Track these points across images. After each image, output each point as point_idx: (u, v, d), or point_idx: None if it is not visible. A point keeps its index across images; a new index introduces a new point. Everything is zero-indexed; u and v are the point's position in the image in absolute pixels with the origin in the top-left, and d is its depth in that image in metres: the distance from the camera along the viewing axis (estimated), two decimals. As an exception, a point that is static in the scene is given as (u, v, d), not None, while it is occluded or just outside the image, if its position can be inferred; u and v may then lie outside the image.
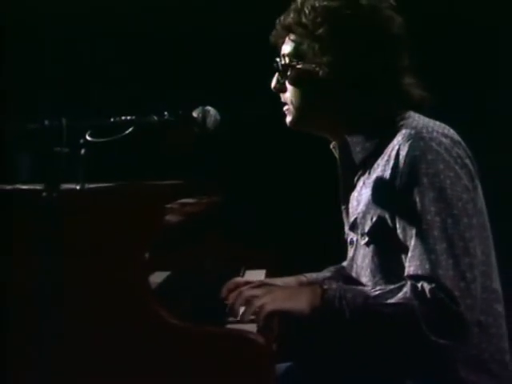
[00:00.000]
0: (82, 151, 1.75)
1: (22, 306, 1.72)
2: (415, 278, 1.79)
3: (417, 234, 1.80)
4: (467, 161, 1.87)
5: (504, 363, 1.90)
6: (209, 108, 1.94)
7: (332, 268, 2.36)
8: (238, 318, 1.84)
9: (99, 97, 3.48)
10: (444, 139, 1.85)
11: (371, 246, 1.94)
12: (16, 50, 3.65)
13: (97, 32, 3.66)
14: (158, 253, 1.85)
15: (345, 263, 2.29)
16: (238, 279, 2.24)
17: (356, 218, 1.99)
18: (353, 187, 2.08)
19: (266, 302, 1.84)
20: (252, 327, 1.82)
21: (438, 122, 1.92)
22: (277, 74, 2.09)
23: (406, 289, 1.77)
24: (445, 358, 1.83)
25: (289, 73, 2.04)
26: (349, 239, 2.09)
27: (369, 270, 1.95)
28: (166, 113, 1.89)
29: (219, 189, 2.84)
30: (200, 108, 1.93)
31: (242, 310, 1.86)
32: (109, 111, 1.93)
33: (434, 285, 1.74)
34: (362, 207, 1.97)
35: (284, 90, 2.08)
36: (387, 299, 1.78)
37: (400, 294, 1.77)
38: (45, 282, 1.56)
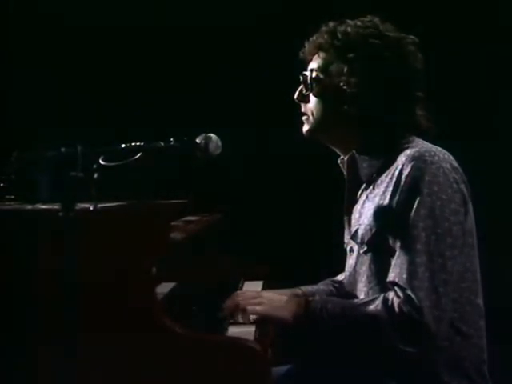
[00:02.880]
0: (95, 175, 1.82)
1: (37, 314, 1.80)
2: (393, 284, 1.91)
3: (402, 245, 1.93)
4: (462, 186, 1.98)
5: (482, 372, 2.02)
6: (211, 135, 2.01)
7: (328, 281, 2.45)
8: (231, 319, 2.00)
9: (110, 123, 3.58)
10: (444, 164, 1.96)
11: (369, 255, 2.05)
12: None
13: (109, 61, 3.78)
14: (164, 266, 1.93)
15: (340, 276, 2.40)
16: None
17: (357, 229, 2.10)
18: (356, 200, 2.19)
19: (251, 305, 2.00)
20: (250, 335, 1.93)
21: (439, 148, 2.03)
22: (301, 86, 2.21)
23: (378, 301, 1.91)
24: (429, 363, 1.94)
25: (315, 85, 2.16)
26: (349, 247, 2.19)
27: (365, 276, 2.06)
28: (171, 139, 1.98)
29: (220, 207, 2.94)
30: (203, 135, 2.01)
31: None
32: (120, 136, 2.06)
33: (403, 296, 1.87)
34: (363, 219, 2.08)
35: (306, 101, 2.19)
36: (361, 310, 1.92)
37: (372, 306, 1.91)
38: (60, 292, 1.62)
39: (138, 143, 1.96)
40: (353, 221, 2.19)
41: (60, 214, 1.65)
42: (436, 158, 1.96)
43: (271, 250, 3.47)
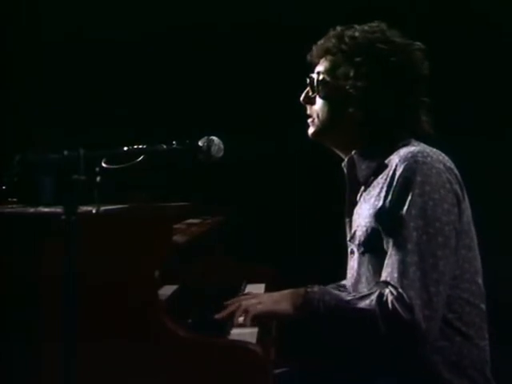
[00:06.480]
0: (98, 178, 1.82)
1: (37, 316, 1.82)
2: (385, 283, 1.92)
3: (394, 245, 1.94)
4: (456, 186, 1.99)
5: (484, 373, 2.02)
6: (213, 137, 2.02)
7: (333, 285, 2.43)
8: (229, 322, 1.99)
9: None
10: (436, 164, 1.97)
11: (366, 255, 2.06)
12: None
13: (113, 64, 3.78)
14: (167, 268, 1.94)
15: (345, 281, 2.42)
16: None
17: (355, 231, 2.11)
18: (356, 202, 2.20)
19: (252, 305, 2.00)
20: (252, 338, 1.94)
21: (434, 149, 2.04)
22: (308, 88, 2.22)
23: (373, 297, 1.92)
24: (429, 361, 1.96)
25: (321, 88, 2.18)
26: (349, 249, 2.20)
27: (365, 277, 2.07)
28: (174, 142, 1.99)
29: (222, 210, 2.94)
30: (205, 137, 2.02)
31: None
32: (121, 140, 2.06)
33: (395, 294, 1.88)
34: (360, 221, 2.09)
35: (312, 103, 2.20)
36: (355, 304, 1.93)
37: (367, 301, 1.92)
38: (63, 294, 1.62)
39: (140, 146, 1.96)
40: (353, 223, 2.20)
41: (62, 216, 1.66)
42: (429, 158, 1.98)
43: (274, 252, 3.47)
